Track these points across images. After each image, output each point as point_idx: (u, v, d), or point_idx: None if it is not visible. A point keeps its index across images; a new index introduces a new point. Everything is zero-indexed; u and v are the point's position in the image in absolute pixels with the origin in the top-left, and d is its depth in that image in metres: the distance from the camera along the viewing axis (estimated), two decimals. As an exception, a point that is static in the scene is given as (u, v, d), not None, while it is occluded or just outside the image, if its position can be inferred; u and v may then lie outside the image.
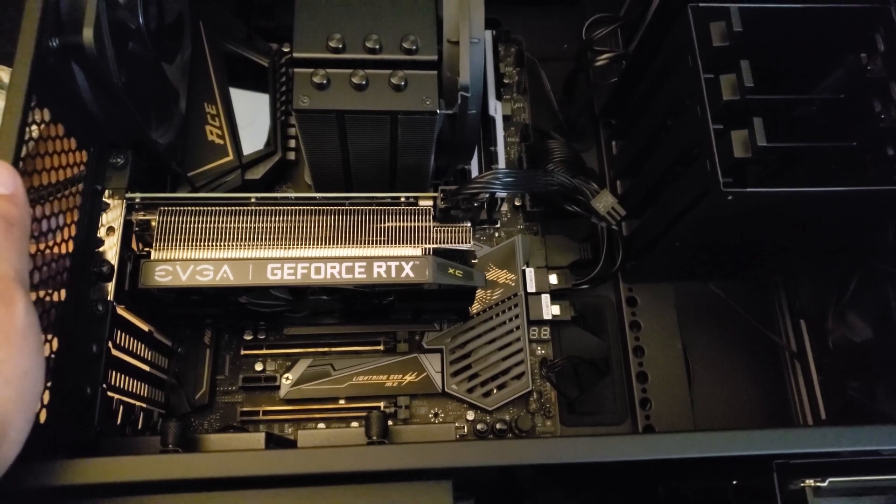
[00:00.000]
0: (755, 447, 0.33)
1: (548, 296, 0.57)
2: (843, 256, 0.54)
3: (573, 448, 0.32)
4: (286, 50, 0.61)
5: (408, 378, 0.54)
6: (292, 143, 0.59)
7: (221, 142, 0.55)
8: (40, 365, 0.31)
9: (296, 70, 0.41)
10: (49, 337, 0.37)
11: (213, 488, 0.33)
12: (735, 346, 0.60)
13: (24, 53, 0.35)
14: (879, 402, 0.51)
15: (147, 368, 0.48)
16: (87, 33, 0.37)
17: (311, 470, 0.31)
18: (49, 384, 0.38)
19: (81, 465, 0.30)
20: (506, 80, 0.64)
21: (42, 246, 0.37)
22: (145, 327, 0.48)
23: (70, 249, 0.40)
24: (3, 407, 0.28)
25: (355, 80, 0.41)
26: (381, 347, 0.55)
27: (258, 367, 0.54)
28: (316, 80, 0.41)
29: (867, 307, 0.52)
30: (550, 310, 0.56)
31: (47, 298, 0.38)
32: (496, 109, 0.57)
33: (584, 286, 0.58)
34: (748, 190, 0.42)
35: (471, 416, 0.54)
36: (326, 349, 0.54)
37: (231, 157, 0.54)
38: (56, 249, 0.39)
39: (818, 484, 0.35)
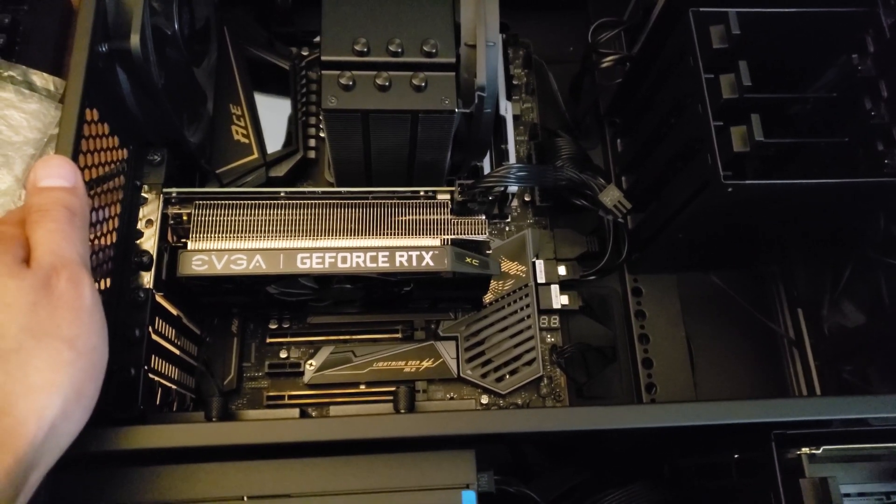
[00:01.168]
0: (754, 415, 0.36)
1: (557, 286, 0.59)
2: (837, 245, 0.57)
3: (587, 416, 0.35)
4: (305, 53, 0.64)
5: (425, 364, 0.56)
6: (312, 143, 0.62)
7: (247, 141, 0.58)
8: (105, 341, 0.34)
9: (323, 72, 0.44)
10: (99, 321, 0.40)
11: (254, 456, 0.36)
12: (735, 334, 0.63)
13: (79, 58, 0.38)
14: (872, 383, 0.53)
15: (181, 354, 0.51)
16: (135, 39, 0.40)
17: (346, 436, 0.34)
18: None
19: (140, 431, 0.33)
20: (515, 82, 0.67)
21: (91, 236, 0.40)
22: (178, 315, 0.51)
23: (114, 240, 0.43)
24: (77, 376, 0.31)
25: (379, 81, 0.44)
26: (400, 335, 0.58)
27: (283, 354, 0.57)
28: (342, 81, 0.44)
29: (860, 295, 0.55)
30: (559, 299, 0.59)
31: (95, 285, 0.41)
32: (507, 109, 0.60)
33: (591, 277, 0.61)
34: (746, 182, 0.45)
35: (485, 399, 0.57)
36: (348, 337, 0.57)
37: (256, 155, 0.57)
38: (102, 240, 0.42)
39: (813, 452, 0.37)
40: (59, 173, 0.35)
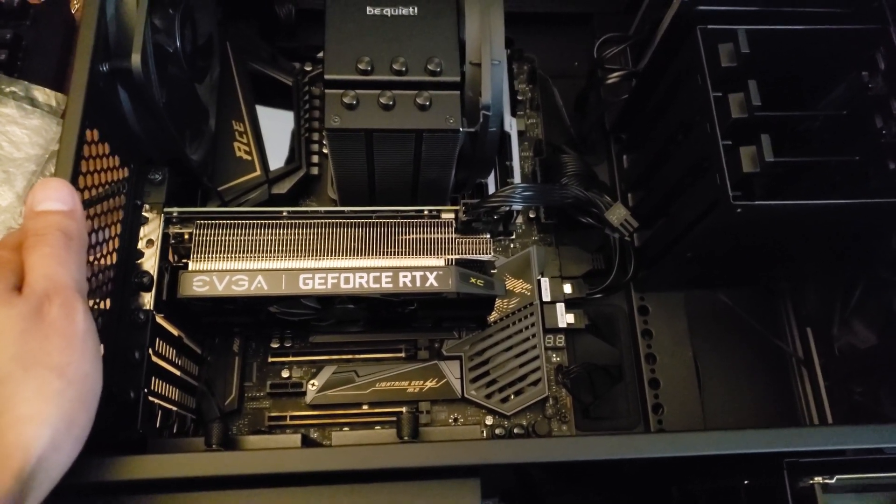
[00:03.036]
0: (767, 445, 0.35)
1: (562, 305, 0.59)
2: (848, 264, 0.56)
3: (595, 446, 0.34)
4: (308, 69, 0.64)
5: (428, 384, 0.56)
6: (315, 159, 0.61)
7: (249, 157, 0.57)
8: (98, 368, 0.33)
9: (327, 91, 0.44)
10: (98, 344, 0.40)
11: (255, 485, 0.36)
12: (744, 353, 0.62)
13: (80, 78, 0.37)
14: (884, 405, 0.52)
15: (181, 375, 0.50)
16: (136, 59, 0.40)
17: (349, 467, 0.33)
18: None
19: (139, 461, 0.32)
20: (519, 97, 0.66)
21: (91, 258, 0.40)
22: (178, 335, 0.50)
23: (114, 261, 0.43)
24: (67, 406, 0.31)
25: (383, 100, 0.44)
26: (403, 355, 0.57)
27: (285, 373, 0.56)
28: (346, 100, 0.43)
29: (871, 315, 0.54)
30: (565, 318, 0.58)
31: (95, 307, 0.40)
32: (511, 125, 0.59)
33: (597, 295, 0.60)
34: (756, 203, 0.44)
35: (489, 420, 0.56)
36: (350, 356, 0.56)
37: (258, 172, 0.57)
38: (102, 261, 0.41)
39: (826, 481, 0.36)
40: (57, 196, 0.34)
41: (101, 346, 0.39)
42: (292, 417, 0.54)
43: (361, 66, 0.44)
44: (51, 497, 0.31)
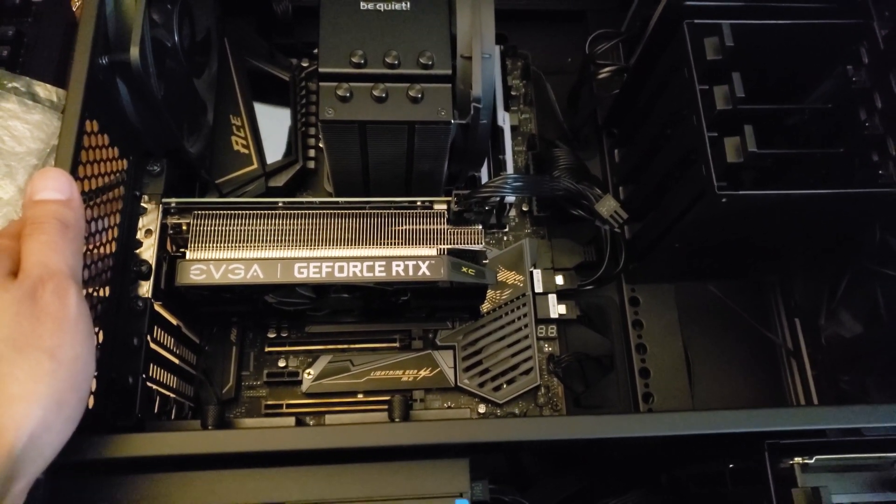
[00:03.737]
0: (747, 425, 0.36)
1: (554, 296, 0.60)
2: (834, 256, 0.57)
3: (582, 425, 0.35)
4: (305, 65, 0.65)
5: (422, 373, 0.57)
6: (312, 153, 0.62)
7: (246, 151, 0.58)
8: (91, 351, 0.34)
9: (321, 84, 0.45)
10: (96, 330, 0.41)
11: (250, 464, 0.37)
12: (733, 344, 0.63)
13: (79, 70, 0.38)
14: (870, 393, 0.53)
15: (179, 363, 0.51)
16: (134, 52, 0.41)
17: (341, 444, 0.34)
18: (96, 374, 0.41)
19: (136, 438, 0.33)
20: (513, 93, 0.67)
21: (90, 246, 0.41)
22: (177, 324, 0.51)
23: (113, 250, 0.44)
24: (58, 386, 0.32)
25: (376, 92, 0.45)
26: (397, 344, 0.58)
27: (281, 363, 0.57)
28: (340, 93, 0.44)
29: (857, 305, 0.55)
30: (557, 309, 0.59)
31: (94, 294, 0.41)
32: (504, 120, 0.61)
33: (588, 287, 0.61)
34: (740, 193, 0.45)
35: (482, 409, 0.57)
36: (346, 346, 0.57)
37: (255, 165, 0.58)
38: (101, 250, 0.42)
39: (806, 461, 0.37)
40: (55, 186, 0.35)
41: (99, 331, 0.41)
42: (288, 406, 0.55)
43: (355, 60, 0.45)
44: (49, 474, 0.32)
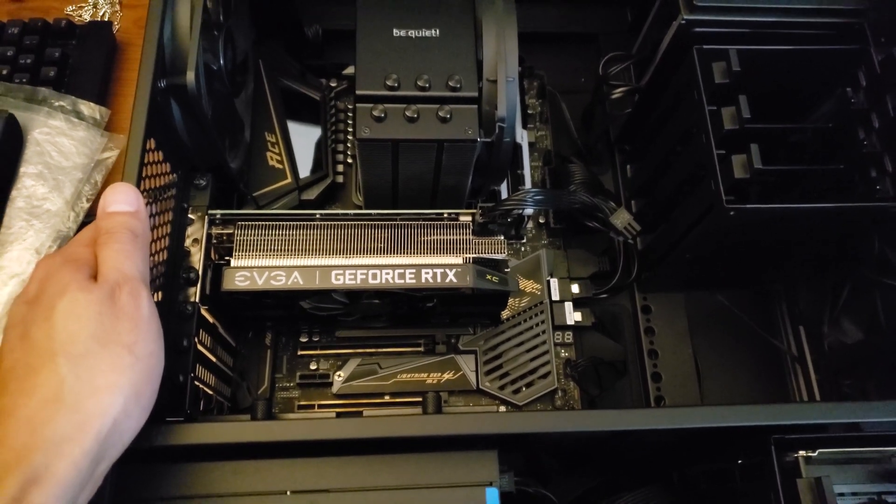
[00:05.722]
0: (754, 419, 0.39)
1: (570, 304, 0.63)
2: (836, 265, 0.60)
3: (599, 418, 0.39)
4: (334, 84, 0.69)
5: (446, 376, 0.60)
6: (340, 168, 0.66)
7: (281, 166, 0.62)
8: (161, 347, 0.38)
9: (358, 105, 0.48)
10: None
11: (295, 454, 0.40)
12: (740, 350, 0.66)
13: (143, 94, 0.42)
14: (870, 396, 0.56)
15: (220, 364, 0.55)
16: (190, 76, 0.45)
17: (380, 434, 0.37)
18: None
19: (200, 427, 0.36)
20: (530, 111, 0.71)
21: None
22: (218, 328, 0.55)
23: (165, 258, 0.47)
24: (136, 378, 0.35)
25: (408, 113, 0.48)
26: (422, 349, 0.61)
27: (313, 366, 0.60)
28: (375, 113, 0.48)
29: (858, 313, 0.58)
30: (573, 316, 0.62)
31: (153, 298, 0.44)
32: (522, 137, 0.64)
33: (603, 295, 0.65)
34: (747, 206, 0.48)
35: (502, 410, 0.60)
36: (373, 350, 0.61)
37: (289, 179, 0.62)
38: (156, 257, 0.46)
39: (809, 454, 0.40)
40: (125, 199, 0.39)
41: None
42: (320, 406, 0.59)
43: (389, 83, 0.48)
44: (120, 459, 0.35)
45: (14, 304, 0.36)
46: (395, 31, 0.50)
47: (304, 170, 0.63)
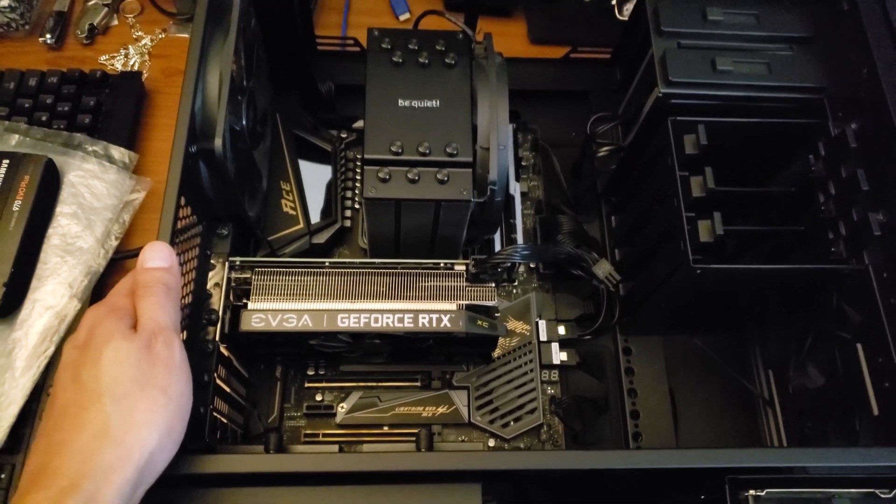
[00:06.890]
0: (712, 461, 0.44)
1: (557, 344, 0.68)
2: (801, 315, 0.65)
3: (576, 458, 0.44)
4: (344, 136, 0.75)
5: (440, 410, 0.65)
6: (348, 213, 0.72)
7: (294, 213, 0.68)
8: (190, 388, 0.43)
9: (366, 168, 0.54)
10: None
11: (302, 483, 0.45)
12: (715, 391, 0.70)
13: (177, 159, 0.48)
14: (829, 438, 0.61)
15: (235, 395, 0.60)
16: (218, 142, 0.50)
17: (378, 468, 0.43)
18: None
19: (221, 459, 0.42)
20: (523, 163, 0.77)
21: (176, 298, 0.50)
22: (234, 361, 0.60)
23: (190, 301, 0.53)
24: (169, 416, 0.41)
25: (410, 175, 0.54)
26: (419, 383, 0.66)
27: (318, 397, 0.66)
28: (381, 175, 0.54)
29: (820, 360, 0.63)
30: (559, 356, 0.68)
31: (183, 345, 0.50)
32: (515, 188, 0.70)
33: (587, 336, 0.70)
34: (713, 266, 0.54)
35: (492, 443, 0.65)
36: (374, 384, 0.66)
37: (301, 225, 0.67)
38: (183, 300, 0.51)
39: (758, 493, 0.45)
40: (160, 256, 0.45)
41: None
42: (324, 435, 0.64)
43: (394, 148, 0.54)
44: (151, 486, 0.41)
45: (66, 348, 0.41)
46: (399, 101, 0.56)
47: (315, 213, 0.69)
